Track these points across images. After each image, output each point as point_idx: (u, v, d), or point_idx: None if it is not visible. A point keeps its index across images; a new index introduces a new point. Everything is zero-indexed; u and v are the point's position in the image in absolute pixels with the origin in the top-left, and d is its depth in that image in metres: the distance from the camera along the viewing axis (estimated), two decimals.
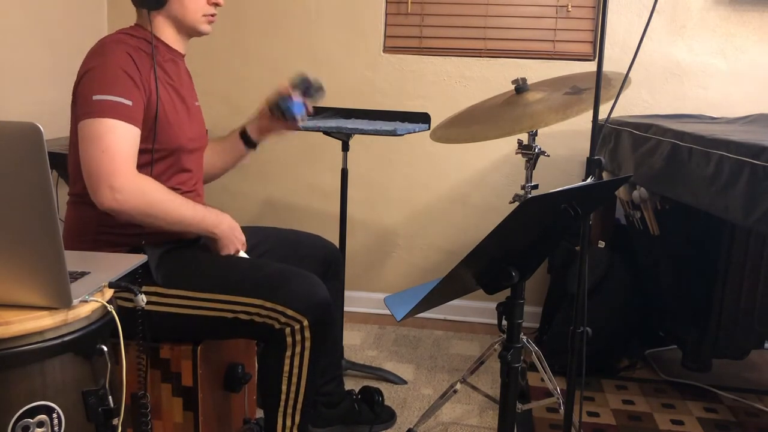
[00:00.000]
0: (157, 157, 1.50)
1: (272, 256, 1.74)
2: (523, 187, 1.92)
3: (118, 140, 1.37)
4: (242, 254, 1.60)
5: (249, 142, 1.79)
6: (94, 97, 1.37)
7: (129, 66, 1.42)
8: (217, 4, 1.57)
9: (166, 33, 1.56)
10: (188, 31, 1.58)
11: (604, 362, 2.40)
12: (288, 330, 1.44)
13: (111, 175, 1.35)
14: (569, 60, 2.81)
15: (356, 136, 2.21)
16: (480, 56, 2.87)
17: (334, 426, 1.95)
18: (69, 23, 2.75)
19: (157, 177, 1.48)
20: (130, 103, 1.39)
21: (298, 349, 1.45)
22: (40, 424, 0.99)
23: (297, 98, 1.68)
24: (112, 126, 1.37)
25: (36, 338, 0.98)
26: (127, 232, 1.48)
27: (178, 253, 1.54)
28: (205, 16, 1.56)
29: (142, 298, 1.13)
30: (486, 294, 1.26)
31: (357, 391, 2.05)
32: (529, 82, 1.92)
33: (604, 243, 2.55)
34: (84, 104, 1.39)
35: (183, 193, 1.53)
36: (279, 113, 1.69)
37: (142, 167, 1.45)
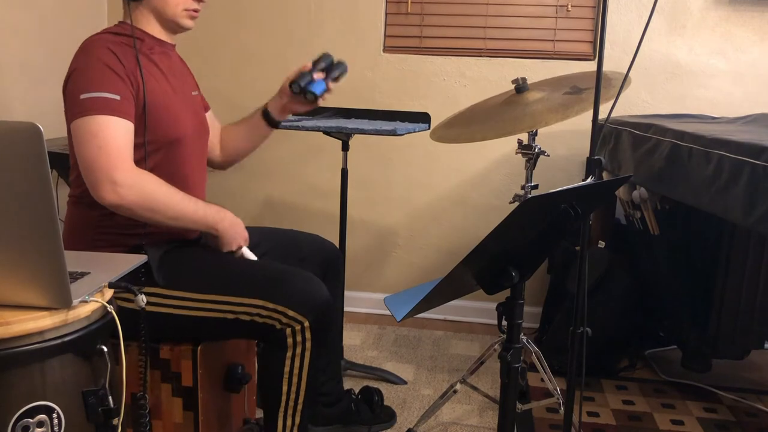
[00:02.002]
0: (153, 150, 1.50)
1: (272, 256, 1.74)
2: (523, 187, 1.92)
3: (112, 135, 1.37)
4: (245, 250, 1.59)
5: (271, 122, 1.80)
6: (82, 96, 1.37)
7: (111, 61, 1.41)
8: (200, 0, 1.57)
9: (152, 26, 1.56)
10: (170, 24, 1.57)
11: (604, 362, 2.40)
12: (289, 331, 1.44)
13: (110, 169, 1.35)
14: (569, 60, 2.81)
15: (356, 136, 2.21)
16: (480, 56, 2.87)
17: (332, 425, 1.95)
18: (69, 23, 2.75)
19: (156, 169, 1.48)
20: (118, 97, 1.39)
21: (298, 350, 1.45)
22: (40, 424, 0.99)
23: (318, 77, 1.68)
24: (105, 122, 1.37)
25: (36, 338, 0.98)
26: (127, 232, 1.48)
27: (179, 253, 1.54)
28: (186, 10, 1.55)
29: (142, 299, 1.13)
30: (486, 294, 1.26)
31: (357, 392, 2.05)
32: (529, 82, 1.92)
33: (604, 243, 2.55)
34: (73, 104, 1.39)
35: (181, 188, 1.51)
36: (300, 92, 1.68)
37: (138, 162, 1.44)
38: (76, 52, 1.45)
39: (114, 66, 1.41)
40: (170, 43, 1.61)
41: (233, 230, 1.55)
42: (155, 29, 1.56)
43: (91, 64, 1.40)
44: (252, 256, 1.60)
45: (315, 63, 1.70)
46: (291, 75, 1.71)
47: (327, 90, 1.71)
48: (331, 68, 1.70)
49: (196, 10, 1.57)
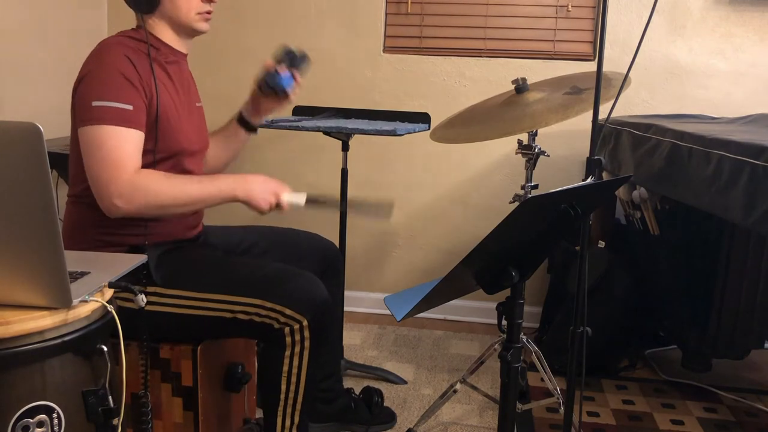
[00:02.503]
0: (158, 159, 1.50)
1: (271, 255, 1.75)
2: (523, 187, 1.92)
3: (117, 147, 1.37)
4: (288, 197, 1.50)
5: (248, 127, 1.78)
6: (93, 104, 1.37)
7: (127, 69, 1.41)
8: (211, 1, 1.56)
9: (166, 34, 1.55)
10: (185, 30, 1.57)
11: (604, 362, 2.40)
12: (287, 329, 1.44)
13: (111, 182, 1.36)
14: (569, 60, 2.81)
15: (356, 136, 2.21)
16: (480, 56, 2.87)
17: (330, 423, 1.95)
18: (69, 23, 2.75)
19: None
20: (130, 107, 1.39)
21: (297, 348, 1.45)
22: (40, 424, 0.99)
23: (284, 72, 1.66)
24: (111, 133, 1.37)
25: (36, 338, 0.98)
26: (126, 232, 1.48)
27: (178, 253, 1.54)
28: (199, 14, 1.54)
29: (142, 298, 1.13)
30: (486, 294, 1.26)
31: (359, 392, 2.05)
32: (529, 82, 1.92)
33: (604, 243, 2.55)
34: (83, 110, 1.38)
35: None
36: (268, 90, 1.67)
37: (147, 168, 1.44)
38: (92, 54, 1.44)
39: (129, 75, 1.40)
40: (183, 52, 1.60)
41: (260, 188, 1.49)
42: (171, 38, 1.56)
43: (106, 71, 1.39)
44: (299, 199, 1.50)
45: (278, 60, 1.67)
46: (257, 76, 1.69)
47: (296, 83, 1.68)
48: (294, 61, 1.68)
49: (208, 12, 1.56)
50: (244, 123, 1.78)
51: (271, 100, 1.72)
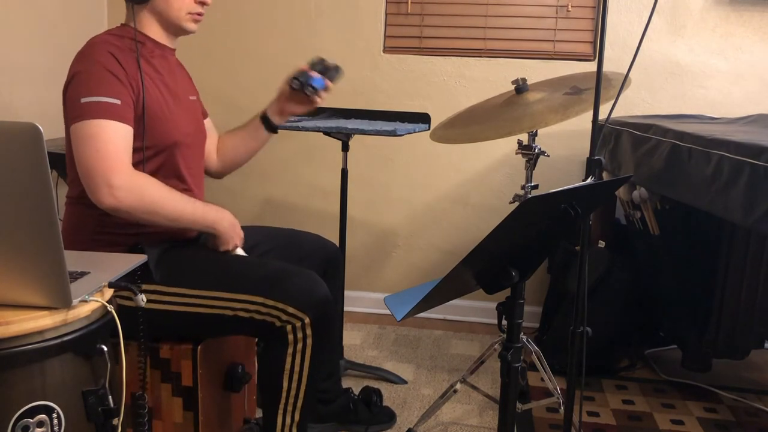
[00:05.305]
0: (152, 154, 1.50)
1: (273, 255, 1.75)
2: (523, 187, 1.92)
3: (110, 139, 1.37)
4: (239, 251, 1.60)
5: (270, 126, 1.80)
6: (82, 100, 1.38)
7: (113, 65, 1.42)
8: (203, 3, 1.56)
9: (153, 29, 1.56)
10: (173, 28, 1.57)
11: (604, 362, 2.40)
12: (289, 327, 1.44)
13: (107, 173, 1.36)
14: (569, 60, 2.81)
15: (356, 136, 2.21)
16: (480, 56, 2.87)
17: (329, 423, 1.95)
18: (69, 23, 2.75)
19: (153, 174, 1.48)
20: (118, 102, 1.40)
21: (299, 346, 1.45)
22: (40, 424, 0.99)
23: (315, 75, 1.69)
24: (103, 126, 1.37)
25: (36, 338, 0.98)
26: (125, 231, 1.49)
27: (177, 251, 1.54)
28: (190, 14, 1.55)
29: (142, 298, 1.13)
30: (486, 294, 1.26)
31: (358, 392, 2.05)
32: (529, 82, 1.92)
33: (604, 243, 2.55)
34: (73, 108, 1.39)
35: (180, 191, 1.52)
36: (299, 86, 1.68)
37: (136, 165, 1.44)
38: (78, 54, 1.45)
39: (115, 70, 1.42)
40: (170, 47, 1.61)
41: (232, 230, 1.56)
42: (157, 33, 1.56)
43: (93, 68, 1.40)
44: (244, 255, 1.61)
45: (311, 65, 1.71)
46: (289, 75, 1.71)
47: (326, 88, 1.71)
48: (327, 70, 1.72)
49: (199, 14, 1.57)
50: (266, 122, 1.79)
51: (298, 101, 1.74)
